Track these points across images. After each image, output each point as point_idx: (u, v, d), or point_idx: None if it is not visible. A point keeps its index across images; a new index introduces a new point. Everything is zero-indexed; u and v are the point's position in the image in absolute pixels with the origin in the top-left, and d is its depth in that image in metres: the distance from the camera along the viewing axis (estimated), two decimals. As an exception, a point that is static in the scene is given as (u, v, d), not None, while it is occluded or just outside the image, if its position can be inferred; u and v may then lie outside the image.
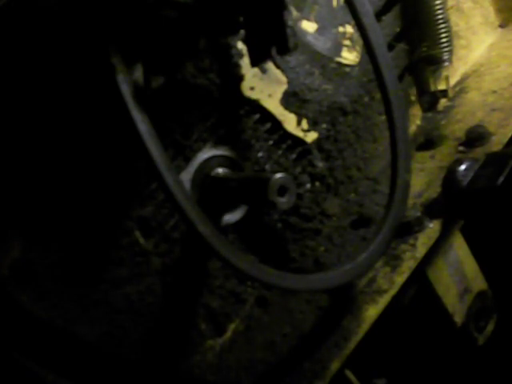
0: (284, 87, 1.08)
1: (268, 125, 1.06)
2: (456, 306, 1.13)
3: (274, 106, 1.06)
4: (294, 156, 1.11)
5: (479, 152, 1.15)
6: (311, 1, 1.13)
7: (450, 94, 1.36)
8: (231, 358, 1.02)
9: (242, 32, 0.94)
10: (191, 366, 0.99)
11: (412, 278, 1.04)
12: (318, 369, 0.96)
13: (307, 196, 1.12)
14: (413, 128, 1.36)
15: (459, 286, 1.14)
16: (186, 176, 0.96)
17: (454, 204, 1.06)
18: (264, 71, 1.05)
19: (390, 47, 1.28)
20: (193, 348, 1.00)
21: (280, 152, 1.08)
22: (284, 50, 0.86)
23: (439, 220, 1.07)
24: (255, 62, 0.93)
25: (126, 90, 0.75)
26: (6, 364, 0.84)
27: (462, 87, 1.41)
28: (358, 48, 1.20)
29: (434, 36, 1.30)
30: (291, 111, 1.09)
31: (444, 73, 1.35)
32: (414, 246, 1.05)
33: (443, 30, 1.29)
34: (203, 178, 0.97)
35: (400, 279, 1.03)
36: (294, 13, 1.10)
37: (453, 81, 1.41)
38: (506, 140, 1.16)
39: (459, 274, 1.14)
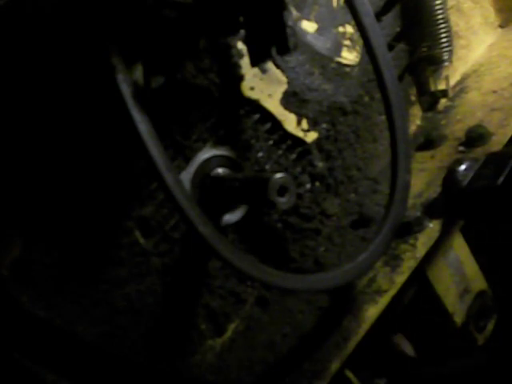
0: (284, 87, 1.08)
1: (268, 125, 1.06)
2: (456, 306, 1.13)
3: (273, 106, 1.06)
4: (294, 156, 1.11)
5: (479, 152, 1.15)
6: (311, 1, 1.13)
7: (450, 94, 1.36)
8: (231, 357, 1.02)
9: (242, 32, 0.94)
10: (191, 365, 0.99)
11: (412, 278, 1.04)
12: (318, 369, 0.96)
13: (307, 196, 1.12)
14: (413, 128, 1.36)
15: (459, 286, 1.14)
16: (186, 176, 0.96)
17: (454, 204, 1.06)
18: (264, 71, 1.05)
19: (390, 47, 1.28)
20: (193, 348, 1.00)
21: (280, 152, 1.08)
22: (284, 50, 0.86)
23: (439, 220, 1.07)
24: (255, 62, 0.93)
25: (126, 90, 0.75)
26: (6, 364, 0.84)
27: (462, 87, 1.41)
28: (358, 48, 1.20)
29: (434, 36, 1.30)
30: (291, 111, 1.09)
31: (444, 73, 1.35)
32: (414, 246, 1.05)
33: (443, 30, 1.29)
34: (203, 178, 0.97)
35: (400, 279, 1.03)
36: (294, 13, 1.10)
37: (453, 81, 1.41)
38: (506, 140, 1.17)
39: (459, 273, 1.14)
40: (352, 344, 0.98)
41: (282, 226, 1.09)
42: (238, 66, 1.01)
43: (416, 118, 1.37)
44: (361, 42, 1.06)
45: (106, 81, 0.75)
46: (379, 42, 0.94)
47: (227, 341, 1.03)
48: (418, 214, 1.08)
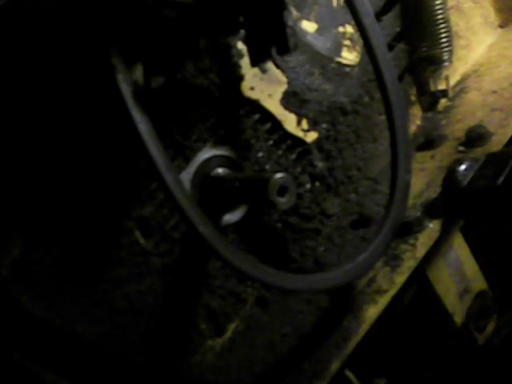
0: (284, 87, 1.08)
1: (268, 125, 1.06)
2: (456, 306, 1.13)
3: (273, 106, 1.06)
4: (294, 156, 1.10)
5: (479, 152, 1.15)
6: (311, 1, 1.13)
7: (450, 94, 1.36)
8: (231, 357, 1.02)
9: (242, 32, 0.94)
10: (191, 365, 0.99)
11: (412, 278, 1.04)
12: (318, 369, 0.96)
13: (307, 196, 1.12)
14: (413, 128, 1.36)
15: (459, 286, 1.14)
16: (186, 176, 0.96)
17: (454, 204, 1.06)
18: (264, 71, 1.05)
19: (390, 47, 1.28)
20: (193, 348, 1.00)
21: (280, 152, 1.08)
22: (284, 50, 0.86)
23: (439, 220, 1.07)
24: (255, 62, 0.93)
25: (126, 90, 0.75)
26: (6, 364, 0.84)
27: (462, 87, 1.41)
28: (358, 48, 1.20)
29: (434, 36, 1.30)
30: (291, 111, 1.09)
31: (444, 73, 1.35)
32: (414, 245, 1.05)
33: (443, 30, 1.29)
34: (203, 178, 0.98)
35: (400, 279, 1.03)
36: (294, 13, 1.10)
37: (453, 81, 1.41)
38: (506, 140, 1.16)
39: (459, 273, 1.14)
40: (352, 344, 0.98)
41: (281, 226, 1.09)
42: (238, 66, 1.01)
43: (416, 118, 1.37)
44: (361, 42, 1.06)
45: (106, 81, 0.75)
46: (379, 41, 0.94)
47: (227, 341, 1.03)
48: (418, 214, 1.08)
